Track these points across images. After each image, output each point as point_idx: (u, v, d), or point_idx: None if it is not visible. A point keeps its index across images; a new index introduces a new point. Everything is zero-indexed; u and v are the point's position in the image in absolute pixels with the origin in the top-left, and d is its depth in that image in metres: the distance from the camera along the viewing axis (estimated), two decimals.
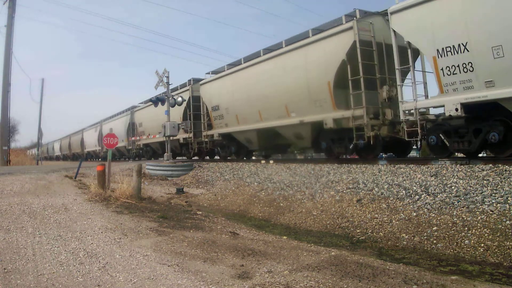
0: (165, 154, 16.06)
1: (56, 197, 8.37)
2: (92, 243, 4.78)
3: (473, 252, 4.78)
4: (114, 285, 3.42)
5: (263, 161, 13.35)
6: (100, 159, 31.93)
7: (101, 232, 5.35)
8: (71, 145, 45.43)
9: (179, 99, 15.78)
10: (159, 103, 16.23)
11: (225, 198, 10.17)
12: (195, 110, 17.69)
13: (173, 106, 15.80)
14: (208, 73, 16.90)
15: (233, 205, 9.43)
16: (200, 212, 7.95)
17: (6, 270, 3.75)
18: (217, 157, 19.10)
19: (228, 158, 16.71)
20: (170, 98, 15.69)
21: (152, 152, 24.31)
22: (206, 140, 16.83)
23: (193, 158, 19.86)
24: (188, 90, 18.20)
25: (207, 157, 19.80)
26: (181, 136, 18.33)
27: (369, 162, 9.61)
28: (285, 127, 12.37)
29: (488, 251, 4.68)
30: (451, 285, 3.45)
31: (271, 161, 13.13)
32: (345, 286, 3.36)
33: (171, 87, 16.62)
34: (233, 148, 16.00)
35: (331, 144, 11.22)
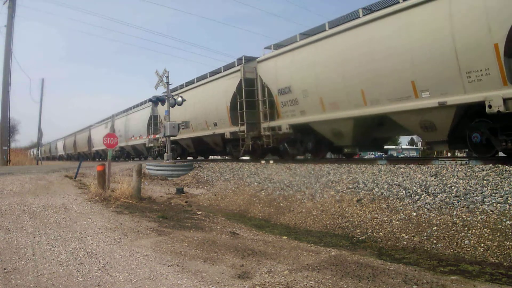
0: (165, 154, 16.05)
1: (56, 197, 8.37)
2: (92, 243, 4.78)
3: (473, 252, 4.78)
4: (114, 285, 3.42)
5: (263, 161, 13.34)
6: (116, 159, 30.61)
7: (101, 232, 5.35)
8: (76, 144, 42.53)
9: (179, 99, 15.73)
10: (159, 103, 16.30)
11: (225, 198, 10.17)
12: (249, 97, 13.83)
13: (173, 106, 15.77)
14: (269, 48, 13.20)
15: (233, 205, 9.43)
16: (200, 212, 7.95)
17: (6, 270, 3.75)
18: (275, 157, 15.19)
19: (299, 157, 13.61)
20: (170, 98, 15.68)
21: (181, 150, 20.69)
22: (267, 133, 12.98)
23: (242, 157, 16.61)
24: (239, 71, 14.17)
25: (268, 157, 15.30)
26: (227, 129, 15.06)
27: (369, 162, 9.61)
28: (403, 113, 8.83)
29: (488, 251, 4.68)
30: (451, 285, 3.44)
31: (271, 161, 13.13)
32: (345, 286, 3.36)
33: (171, 87, 16.56)
34: (310, 143, 12.27)
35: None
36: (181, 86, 19.22)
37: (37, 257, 4.20)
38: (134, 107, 26.45)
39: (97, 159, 35.25)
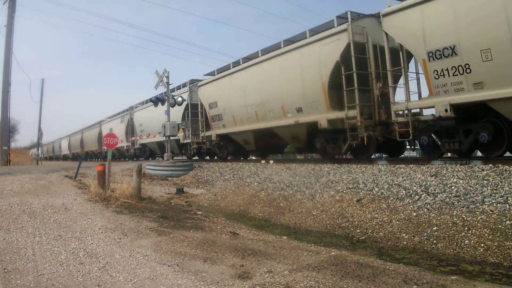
0: (165, 154, 16.08)
1: (56, 197, 8.37)
2: (92, 243, 4.78)
3: (473, 252, 4.78)
4: (114, 285, 3.42)
5: (263, 161, 13.34)
6: (127, 160, 26.70)
7: (101, 232, 5.35)
8: (84, 142, 38.47)
9: (179, 99, 15.78)
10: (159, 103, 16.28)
11: (225, 198, 10.16)
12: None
13: (173, 106, 15.80)
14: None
15: (233, 205, 9.43)
16: (200, 212, 7.95)
17: (6, 270, 3.75)
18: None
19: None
20: (170, 98, 15.69)
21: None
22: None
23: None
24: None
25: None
26: (181, 136, 18.71)
27: (369, 162, 9.61)
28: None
29: (488, 251, 4.68)
30: (451, 285, 3.44)
31: (271, 161, 13.13)
32: (345, 286, 3.36)
33: (170, 87, 16.66)
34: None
35: (326, 144, 11.35)
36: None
37: (37, 257, 4.19)
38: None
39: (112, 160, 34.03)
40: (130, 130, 25.99)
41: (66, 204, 7.54)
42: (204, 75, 17.44)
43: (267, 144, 14.44)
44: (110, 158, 10.36)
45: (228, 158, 16.68)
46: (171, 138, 16.76)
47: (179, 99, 15.82)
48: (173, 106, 15.80)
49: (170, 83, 16.03)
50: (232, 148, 16.02)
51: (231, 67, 14.89)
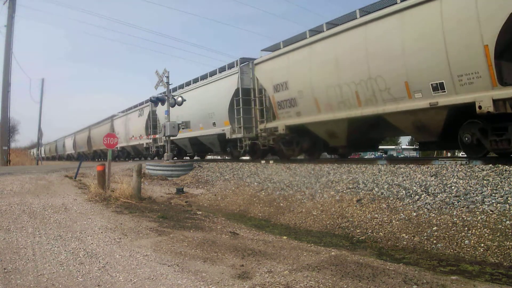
0: (165, 154, 16.06)
1: (56, 197, 8.37)
2: (92, 243, 4.78)
3: (473, 252, 4.78)
4: (114, 285, 3.42)
5: (263, 161, 13.34)
6: (148, 159, 23.32)
7: (101, 232, 5.35)
8: (92, 140, 34.78)
9: (179, 99, 15.72)
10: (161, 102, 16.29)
11: (225, 198, 10.17)
12: (246, 97, 14.28)
13: (173, 106, 15.77)
14: (266, 50, 13.46)
15: (233, 205, 9.43)
16: (200, 212, 7.95)
17: (6, 270, 3.75)
18: (274, 157, 14.93)
19: (296, 158, 13.55)
20: (170, 98, 15.68)
21: (178, 150, 20.09)
22: (264, 134, 13.44)
23: (241, 157, 16.84)
24: (236, 73, 14.36)
25: (271, 156, 15.45)
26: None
27: (369, 162, 9.61)
28: (401, 114, 8.79)
29: (488, 251, 4.68)
30: (451, 285, 3.44)
31: (271, 161, 13.13)
32: (345, 286, 3.36)
33: (171, 86, 16.57)
34: (305, 144, 12.61)
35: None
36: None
37: (37, 257, 4.19)
38: (202, 78, 17.27)
39: (124, 159, 28.09)
40: (151, 124, 22.10)
41: (66, 204, 7.54)
42: (262, 50, 13.57)
43: (364, 137, 11.00)
44: (110, 158, 10.36)
45: (299, 157, 13.60)
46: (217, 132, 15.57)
47: (179, 99, 15.74)
48: (173, 106, 15.77)
49: (170, 83, 16.03)
50: (308, 143, 12.49)
51: (308, 36, 11.16)
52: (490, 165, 6.69)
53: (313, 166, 10.13)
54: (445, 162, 7.89)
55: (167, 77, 15.78)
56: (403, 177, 7.40)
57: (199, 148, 19.21)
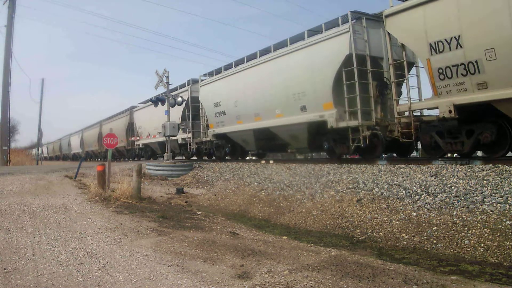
0: (165, 154, 16.08)
1: (56, 197, 8.37)
2: (92, 243, 4.78)
3: (473, 252, 4.78)
4: (114, 285, 3.42)
5: (263, 161, 13.34)
6: (183, 157, 20.83)
7: (101, 232, 5.35)
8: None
9: (179, 99, 15.77)
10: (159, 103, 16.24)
11: (225, 198, 10.17)
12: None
13: (173, 106, 15.80)
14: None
15: (233, 205, 9.43)
16: (200, 212, 7.95)
17: (6, 270, 3.75)
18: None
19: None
20: (170, 98, 15.69)
21: (232, 147, 15.59)
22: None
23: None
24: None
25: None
26: (180, 136, 18.30)
27: (369, 162, 9.62)
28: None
29: (488, 251, 4.68)
30: (451, 285, 3.44)
31: (271, 161, 13.13)
32: (345, 286, 3.36)
33: (170, 87, 16.63)
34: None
35: (333, 144, 11.08)
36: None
37: (37, 257, 4.19)
38: (276, 48, 12.81)
39: (146, 159, 22.68)
40: (190, 115, 17.79)
41: (66, 204, 7.54)
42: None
43: None
44: (110, 158, 10.36)
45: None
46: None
47: (179, 99, 15.80)
48: (173, 106, 15.80)
49: (170, 83, 16.03)
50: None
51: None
52: (490, 165, 6.69)
53: (313, 166, 10.13)
54: (445, 162, 7.89)
55: (167, 77, 15.79)
56: (403, 177, 7.40)
57: (268, 144, 14.14)
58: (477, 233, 5.04)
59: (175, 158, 20.20)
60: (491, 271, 4.19)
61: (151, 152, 23.92)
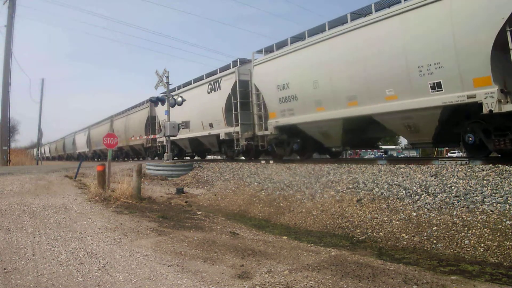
0: (165, 154, 16.05)
1: (56, 197, 8.37)
2: (92, 243, 4.78)
3: (473, 252, 4.78)
4: (114, 285, 3.42)
5: (263, 161, 13.33)
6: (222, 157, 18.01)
7: (101, 232, 5.35)
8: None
9: (179, 99, 15.71)
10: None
11: (225, 198, 10.17)
12: (243, 98, 14.01)
13: (173, 106, 15.76)
14: (260, 52, 13.39)
15: (233, 205, 9.43)
16: (200, 212, 7.95)
17: (6, 270, 3.75)
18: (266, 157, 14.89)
19: (285, 158, 13.60)
20: (170, 98, 15.67)
21: (179, 150, 20.10)
22: (261, 134, 13.15)
23: (236, 158, 16.08)
24: (233, 73, 14.30)
25: (261, 158, 14.74)
26: (222, 130, 14.79)
27: (369, 162, 9.61)
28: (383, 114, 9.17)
29: (488, 251, 4.68)
30: (451, 285, 3.44)
31: (271, 161, 13.12)
32: (345, 286, 3.36)
33: (171, 86, 16.47)
34: (296, 144, 12.56)
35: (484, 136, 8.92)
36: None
37: (37, 257, 4.19)
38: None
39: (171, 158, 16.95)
40: (238, 104, 14.21)
41: (66, 204, 7.54)
42: (257, 52, 13.56)
43: None
44: (110, 158, 10.36)
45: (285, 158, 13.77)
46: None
47: (179, 99, 15.73)
48: (173, 106, 15.75)
49: (170, 83, 16.01)
50: (300, 143, 13.19)
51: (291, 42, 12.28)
52: (490, 165, 6.69)
53: (313, 166, 10.13)
54: (445, 162, 7.89)
55: (167, 77, 15.77)
56: (403, 177, 7.40)
57: (358, 138, 11.35)
58: (477, 233, 5.04)
59: (221, 157, 17.79)
60: (491, 271, 4.19)
61: (178, 150, 20.15)
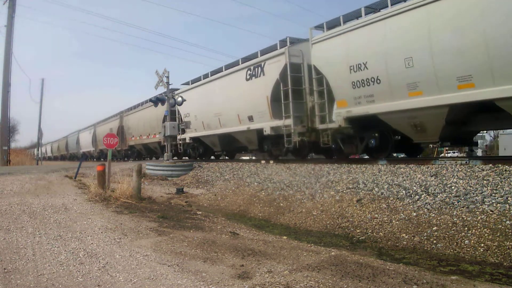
0: (165, 154, 16.04)
1: (56, 197, 8.37)
2: (92, 243, 4.78)
3: (473, 252, 4.78)
4: (114, 285, 3.42)
5: (263, 161, 13.33)
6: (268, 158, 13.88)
7: (101, 232, 5.35)
8: (125, 132, 25.28)
9: (179, 99, 15.70)
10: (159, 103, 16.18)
11: (225, 198, 10.17)
12: (295, 84, 11.52)
13: (173, 106, 15.75)
14: (318, 27, 11.20)
15: (233, 205, 9.43)
16: (200, 212, 7.95)
17: (6, 270, 3.75)
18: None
19: (198, 158, 17.54)
20: (170, 98, 15.67)
21: (204, 148, 17.42)
22: (323, 127, 10.94)
23: (284, 157, 13.58)
24: (282, 54, 11.73)
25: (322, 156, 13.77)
26: (267, 124, 12.37)
27: (369, 162, 9.62)
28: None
29: (488, 251, 4.68)
30: (451, 285, 3.44)
31: (271, 161, 13.12)
32: (345, 286, 3.36)
33: (171, 87, 16.32)
34: (373, 140, 10.03)
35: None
36: (198, 79, 16.82)
37: (37, 257, 4.19)
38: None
39: (199, 158, 17.73)
40: (289, 91, 11.60)
41: (66, 204, 7.54)
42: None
43: None
44: (110, 158, 10.36)
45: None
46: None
47: (179, 99, 15.73)
48: (173, 106, 15.75)
49: (170, 83, 16.00)
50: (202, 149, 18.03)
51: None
52: (490, 165, 6.69)
53: (313, 166, 10.13)
54: (445, 162, 7.89)
55: (167, 77, 15.77)
56: (403, 177, 7.40)
57: (457, 132, 8.83)
58: (477, 233, 5.04)
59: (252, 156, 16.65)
60: (491, 271, 4.19)
61: (203, 149, 17.59)
